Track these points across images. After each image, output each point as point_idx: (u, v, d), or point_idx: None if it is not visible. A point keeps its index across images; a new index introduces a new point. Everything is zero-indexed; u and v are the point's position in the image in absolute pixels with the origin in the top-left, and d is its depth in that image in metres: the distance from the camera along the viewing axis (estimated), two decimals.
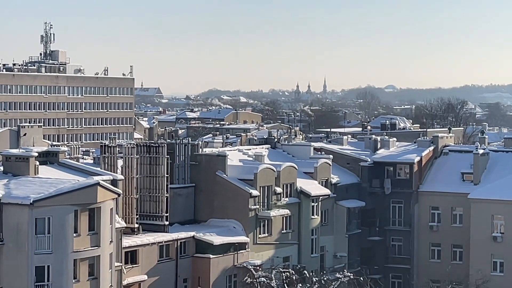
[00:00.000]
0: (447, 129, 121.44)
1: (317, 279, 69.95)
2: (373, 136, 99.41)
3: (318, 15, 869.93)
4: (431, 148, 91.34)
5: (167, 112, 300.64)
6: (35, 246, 54.40)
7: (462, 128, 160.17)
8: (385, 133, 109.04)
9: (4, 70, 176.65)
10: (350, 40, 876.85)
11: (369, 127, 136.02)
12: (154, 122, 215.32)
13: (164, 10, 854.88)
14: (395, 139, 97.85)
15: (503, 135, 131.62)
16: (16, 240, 54.46)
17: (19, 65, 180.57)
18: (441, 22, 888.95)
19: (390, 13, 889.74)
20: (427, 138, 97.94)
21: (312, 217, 79.34)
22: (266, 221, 75.01)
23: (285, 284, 69.38)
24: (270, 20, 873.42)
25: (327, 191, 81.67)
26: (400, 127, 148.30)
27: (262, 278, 68.89)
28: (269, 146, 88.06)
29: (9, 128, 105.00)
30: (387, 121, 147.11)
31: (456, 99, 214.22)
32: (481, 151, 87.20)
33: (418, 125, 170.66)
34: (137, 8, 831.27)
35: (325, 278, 71.32)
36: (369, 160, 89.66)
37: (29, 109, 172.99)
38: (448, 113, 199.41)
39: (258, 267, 70.88)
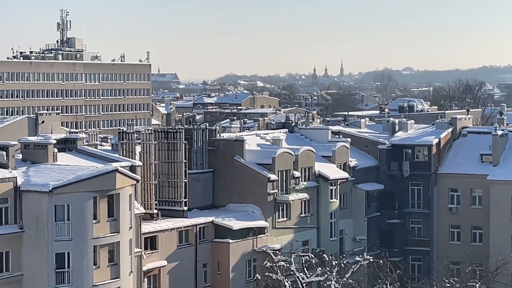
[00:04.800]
0: (465, 110, 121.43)
1: (336, 262, 70.02)
2: (391, 118, 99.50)
3: None
4: (450, 130, 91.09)
5: (184, 97, 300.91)
6: (55, 233, 54.55)
7: (481, 110, 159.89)
8: (403, 116, 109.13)
9: (21, 58, 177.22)
10: (367, 22, 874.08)
11: (386, 110, 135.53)
12: (171, 108, 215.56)
13: None
14: (413, 121, 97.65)
15: None
16: (36, 227, 54.65)
17: (36, 53, 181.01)
18: (458, 3, 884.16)
19: None
20: (445, 120, 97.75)
21: (331, 200, 79.36)
22: (284, 205, 75.09)
23: (305, 268, 69.52)
24: (286, 3, 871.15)
25: (345, 175, 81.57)
26: (418, 109, 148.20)
27: (282, 262, 69.02)
28: (287, 130, 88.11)
29: (27, 116, 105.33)
30: (405, 104, 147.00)
31: (474, 80, 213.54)
32: (500, 132, 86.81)
33: (436, 107, 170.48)
34: None
35: (345, 262, 71.38)
36: (387, 143, 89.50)
37: (47, 97, 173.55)
38: (466, 95, 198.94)
39: (277, 251, 71.01)
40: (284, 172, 75.11)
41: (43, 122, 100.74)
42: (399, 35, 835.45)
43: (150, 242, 64.44)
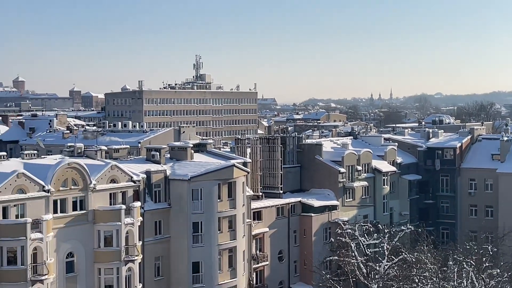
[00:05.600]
0: (480, 123, 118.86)
1: (387, 230, 69.33)
2: (426, 129, 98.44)
3: (388, 40, 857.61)
4: (469, 137, 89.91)
5: (280, 115, 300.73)
6: (192, 208, 55.19)
7: (491, 122, 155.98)
8: (435, 127, 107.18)
9: (169, 88, 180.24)
10: (410, 60, 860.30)
11: (423, 123, 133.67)
12: (271, 122, 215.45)
13: (278, 36, 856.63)
14: (442, 131, 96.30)
15: None
16: (179, 204, 55.37)
17: (179, 85, 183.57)
18: (475, 42, 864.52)
19: (434, 36, 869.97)
20: (466, 130, 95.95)
21: (383, 187, 78.58)
22: (350, 189, 74.60)
23: (365, 234, 69.03)
24: (353, 47, 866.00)
25: (393, 168, 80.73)
26: (446, 122, 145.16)
27: (349, 230, 68.65)
28: (352, 137, 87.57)
29: (173, 128, 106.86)
30: (437, 118, 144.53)
31: (486, 102, 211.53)
32: (505, 139, 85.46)
33: (459, 120, 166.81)
34: (261, 39, 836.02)
35: (393, 230, 70.64)
36: (424, 146, 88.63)
37: (186, 115, 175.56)
38: (481, 112, 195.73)
39: (345, 222, 70.65)
40: (350, 166, 74.62)
41: (183, 132, 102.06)
42: (432, 68, 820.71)
43: (257, 215, 64.76)
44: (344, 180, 73.55)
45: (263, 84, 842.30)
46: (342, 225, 69.73)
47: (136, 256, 50.82)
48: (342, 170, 73.21)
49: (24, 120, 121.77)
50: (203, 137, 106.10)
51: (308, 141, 79.82)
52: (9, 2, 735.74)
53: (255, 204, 64.34)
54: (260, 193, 67.07)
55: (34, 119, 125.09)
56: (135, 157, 62.31)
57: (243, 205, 58.55)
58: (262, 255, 64.64)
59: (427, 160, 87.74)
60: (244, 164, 61.80)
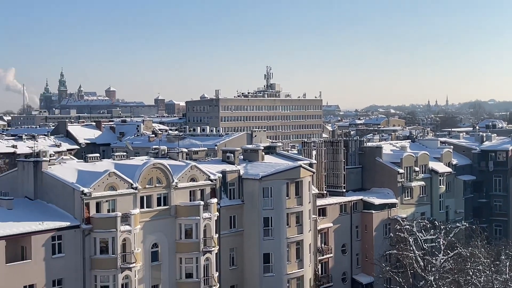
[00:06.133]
0: None
1: (443, 226, 67.99)
2: (480, 133, 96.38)
3: (444, 49, 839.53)
4: None
5: (343, 120, 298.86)
6: (263, 204, 55.23)
7: None
8: (488, 131, 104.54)
9: (242, 96, 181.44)
10: (464, 68, 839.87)
11: (477, 127, 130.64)
12: (335, 127, 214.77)
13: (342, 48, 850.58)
14: (495, 134, 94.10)
15: None
16: (251, 201, 55.49)
17: (251, 93, 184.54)
18: None
19: (488, 45, 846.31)
20: None
21: (440, 186, 77.02)
22: (409, 189, 73.37)
23: (422, 230, 67.86)
24: (412, 52, 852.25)
25: (449, 170, 79.02)
26: (499, 126, 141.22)
27: (407, 226, 67.59)
28: (410, 140, 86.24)
29: (246, 132, 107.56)
30: (490, 123, 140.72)
31: None
32: None
33: (511, 125, 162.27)
34: (326, 52, 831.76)
35: (449, 226, 69.24)
36: (477, 148, 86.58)
37: (258, 120, 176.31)
38: None
39: (404, 219, 69.52)
40: (408, 167, 73.43)
41: (255, 136, 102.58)
42: (486, 76, 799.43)
43: (322, 211, 64.40)
44: (403, 180, 72.42)
45: (327, 92, 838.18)
46: (401, 221, 68.66)
47: (213, 247, 51.26)
48: (401, 171, 72.12)
49: (115, 126, 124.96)
50: (273, 141, 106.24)
51: (369, 144, 79.08)
52: (103, 25, 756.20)
53: (320, 202, 63.99)
54: (325, 192, 66.71)
55: (123, 124, 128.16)
56: (212, 158, 62.84)
57: (309, 202, 58.27)
58: (326, 248, 64.27)
59: (481, 161, 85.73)
60: (310, 165, 61.52)
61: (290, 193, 55.90)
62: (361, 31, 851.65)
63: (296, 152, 74.19)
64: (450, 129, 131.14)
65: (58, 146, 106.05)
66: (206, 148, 65.81)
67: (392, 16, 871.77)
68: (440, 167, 77.69)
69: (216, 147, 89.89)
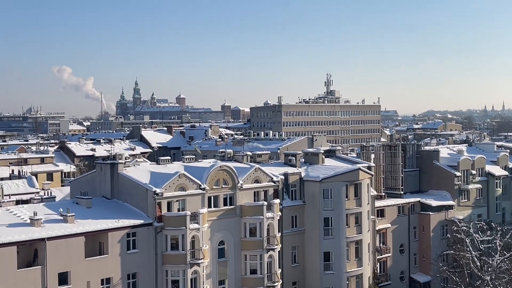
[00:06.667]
0: None
1: (500, 228, 66.11)
2: None
3: (500, 57, 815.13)
4: None
5: (401, 125, 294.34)
6: (323, 205, 55.01)
7: None
8: None
9: (304, 102, 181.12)
10: None
11: None
12: (393, 131, 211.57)
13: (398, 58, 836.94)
14: None
15: None
16: (312, 201, 55.38)
17: (312, 99, 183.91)
18: None
19: None
20: None
21: (496, 189, 74.86)
22: (465, 191, 71.60)
23: (479, 231, 66.16)
24: (468, 60, 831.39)
25: (506, 173, 76.60)
26: None
27: (464, 227, 66.08)
28: (467, 144, 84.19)
29: (307, 136, 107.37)
30: None
31: None
32: None
33: None
34: (384, 59, 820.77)
35: (505, 228, 67.32)
36: None
37: (318, 125, 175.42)
38: None
39: (461, 220, 67.95)
40: (465, 171, 71.67)
41: (316, 140, 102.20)
42: None
43: (380, 212, 63.68)
44: (460, 183, 70.78)
45: (386, 98, 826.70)
46: (458, 223, 67.19)
47: (276, 245, 51.36)
48: (458, 174, 70.52)
49: (184, 130, 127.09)
50: (333, 145, 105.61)
51: (427, 148, 77.73)
52: (175, 36, 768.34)
53: (379, 203, 63.29)
54: (383, 193, 65.92)
55: (192, 129, 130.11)
56: (275, 161, 62.98)
57: (368, 203, 57.68)
58: (385, 247, 63.46)
59: None
60: (369, 168, 60.99)
61: (349, 194, 55.46)
62: (418, 38, 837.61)
63: (355, 155, 73.62)
64: (506, 134, 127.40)
65: (133, 149, 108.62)
66: (269, 152, 66.01)
67: (447, 24, 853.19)
68: (497, 170, 75.56)
69: (278, 151, 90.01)
